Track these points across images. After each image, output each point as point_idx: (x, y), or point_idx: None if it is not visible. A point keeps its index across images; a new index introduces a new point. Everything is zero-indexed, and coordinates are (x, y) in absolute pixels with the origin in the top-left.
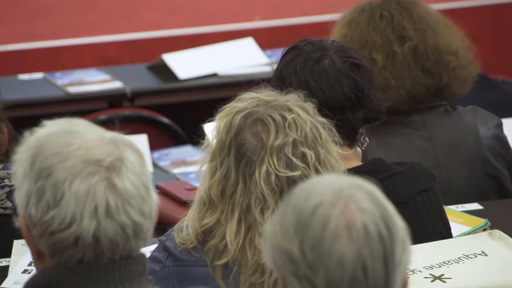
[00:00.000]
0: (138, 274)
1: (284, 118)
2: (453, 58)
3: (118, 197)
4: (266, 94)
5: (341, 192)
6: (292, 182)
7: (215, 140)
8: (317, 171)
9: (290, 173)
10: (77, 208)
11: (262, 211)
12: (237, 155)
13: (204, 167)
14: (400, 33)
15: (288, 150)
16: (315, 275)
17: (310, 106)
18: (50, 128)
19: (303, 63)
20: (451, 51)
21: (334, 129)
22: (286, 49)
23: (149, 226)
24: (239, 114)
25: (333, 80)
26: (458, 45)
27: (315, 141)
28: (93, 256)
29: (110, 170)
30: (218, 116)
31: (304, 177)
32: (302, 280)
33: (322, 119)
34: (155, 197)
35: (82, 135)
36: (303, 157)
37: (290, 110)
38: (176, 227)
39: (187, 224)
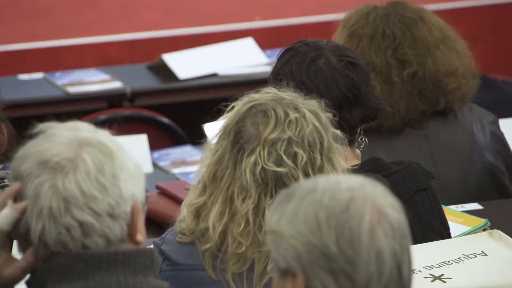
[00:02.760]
0: (143, 268)
1: (286, 114)
2: (452, 80)
3: (60, 198)
4: (288, 94)
5: (363, 188)
6: (278, 177)
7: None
8: (307, 175)
9: (276, 168)
10: (30, 210)
11: (243, 200)
12: (233, 140)
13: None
14: (401, 57)
15: (281, 146)
16: (354, 271)
17: (324, 116)
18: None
19: (298, 64)
20: (450, 73)
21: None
22: (282, 51)
23: (108, 223)
24: (249, 104)
25: (329, 79)
26: (459, 61)
27: (313, 145)
28: (42, 256)
29: (55, 171)
30: (234, 103)
31: (291, 176)
32: (339, 276)
33: (336, 131)
34: (125, 193)
35: (55, 137)
36: (294, 157)
37: (296, 109)
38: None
39: (183, 209)
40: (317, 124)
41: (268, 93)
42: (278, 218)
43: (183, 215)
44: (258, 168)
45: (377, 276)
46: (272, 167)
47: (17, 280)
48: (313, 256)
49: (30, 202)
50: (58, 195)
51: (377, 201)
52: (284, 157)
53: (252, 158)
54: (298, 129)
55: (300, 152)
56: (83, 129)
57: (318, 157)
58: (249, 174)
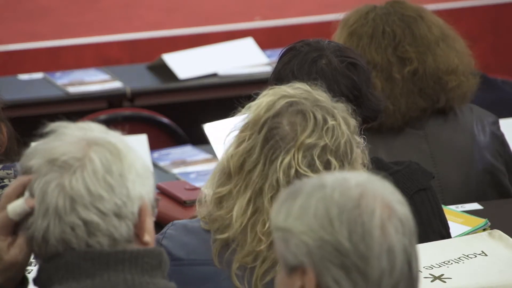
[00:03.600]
0: (150, 268)
1: (325, 121)
2: (453, 78)
3: (67, 197)
4: (318, 93)
5: (371, 184)
6: None
7: (252, 114)
8: None
9: (309, 174)
10: (37, 208)
11: (272, 199)
12: (267, 135)
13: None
14: (402, 54)
15: (316, 152)
16: (367, 266)
17: (353, 122)
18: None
19: (300, 64)
20: (451, 70)
21: (367, 152)
22: (283, 50)
23: (114, 223)
24: (285, 99)
25: (330, 80)
26: (458, 60)
27: (345, 156)
28: (44, 254)
29: (62, 169)
30: (265, 92)
31: None
32: (351, 271)
33: (359, 139)
34: (132, 194)
35: (65, 136)
36: (327, 165)
37: (333, 116)
38: (198, 198)
39: (205, 194)
40: (349, 134)
41: (299, 88)
42: (285, 215)
43: (204, 200)
44: (292, 170)
45: (389, 271)
46: (305, 171)
47: (16, 264)
48: (325, 252)
49: (37, 200)
50: (65, 193)
51: (386, 197)
52: (318, 163)
53: (287, 159)
54: (334, 138)
55: (333, 161)
56: (93, 129)
57: (346, 166)
58: (282, 175)
